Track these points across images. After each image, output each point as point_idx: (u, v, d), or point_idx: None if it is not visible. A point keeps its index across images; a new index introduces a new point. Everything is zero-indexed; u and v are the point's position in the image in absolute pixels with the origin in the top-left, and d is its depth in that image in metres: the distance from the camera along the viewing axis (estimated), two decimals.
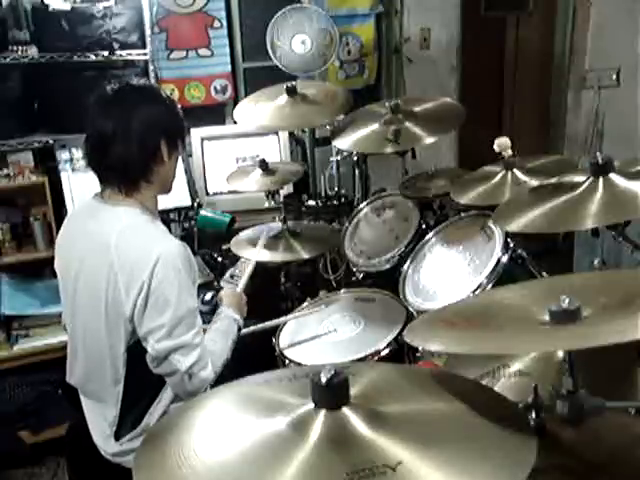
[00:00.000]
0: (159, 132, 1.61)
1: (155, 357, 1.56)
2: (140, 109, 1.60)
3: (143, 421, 1.64)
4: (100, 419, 1.67)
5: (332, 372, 0.90)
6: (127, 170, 1.60)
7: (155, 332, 1.54)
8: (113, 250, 1.55)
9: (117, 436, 1.65)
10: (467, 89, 3.97)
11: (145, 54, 3.07)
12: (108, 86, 1.64)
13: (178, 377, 1.57)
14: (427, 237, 2.14)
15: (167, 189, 1.74)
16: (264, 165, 2.46)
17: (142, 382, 1.63)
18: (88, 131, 1.62)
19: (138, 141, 1.58)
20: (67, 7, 2.86)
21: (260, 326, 2.04)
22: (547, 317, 0.96)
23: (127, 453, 1.63)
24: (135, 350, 1.59)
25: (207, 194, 3.15)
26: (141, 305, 1.53)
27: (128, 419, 1.64)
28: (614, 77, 3.66)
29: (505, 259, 1.85)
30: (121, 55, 2.97)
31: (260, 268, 2.56)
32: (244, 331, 1.99)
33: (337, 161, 2.96)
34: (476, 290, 1.82)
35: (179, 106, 1.73)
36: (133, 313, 1.55)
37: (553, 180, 1.62)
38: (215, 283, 2.64)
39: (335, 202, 3.02)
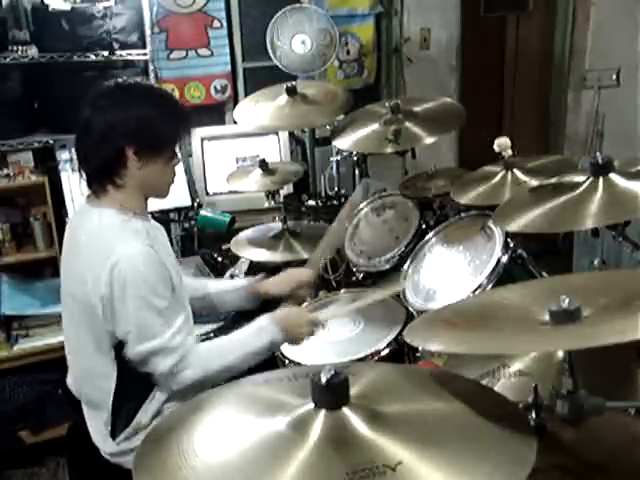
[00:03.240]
0: (124, 137, 1.55)
1: (134, 360, 1.55)
2: (115, 110, 1.56)
3: (135, 419, 1.63)
4: (97, 419, 1.67)
5: (332, 372, 0.90)
6: (89, 167, 1.60)
7: (126, 338, 1.53)
8: (82, 250, 1.57)
9: (113, 435, 1.65)
10: (467, 89, 3.97)
11: (145, 54, 3.07)
12: (106, 83, 1.64)
13: (161, 378, 1.56)
14: (427, 237, 2.14)
15: (158, 195, 1.70)
16: (264, 165, 2.46)
17: (132, 380, 1.62)
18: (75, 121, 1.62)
19: (98, 140, 1.55)
20: (67, 7, 2.86)
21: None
22: (547, 317, 0.96)
23: (126, 453, 1.62)
24: (121, 349, 1.58)
25: (207, 194, 3.15)
26: (108, 311, 1.52)
27: (121, 417, 1.63)
28: (614, 77, 3.66)
29: (505, 259, 1.85)
30: (121, 55, 2.97)
31: (260, 268, 2.57)
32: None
33: (337, 161, 2.96)
34: (476, 290, 1.82)
35: (180, 111, 1.67)
36: (107, 315, 1.54)
37: (553, 180, 1.62)
38: None
39: (335, 202, 3.02)
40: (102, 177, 1.60)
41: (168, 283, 1.57)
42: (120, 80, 1.66)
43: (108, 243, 1.54)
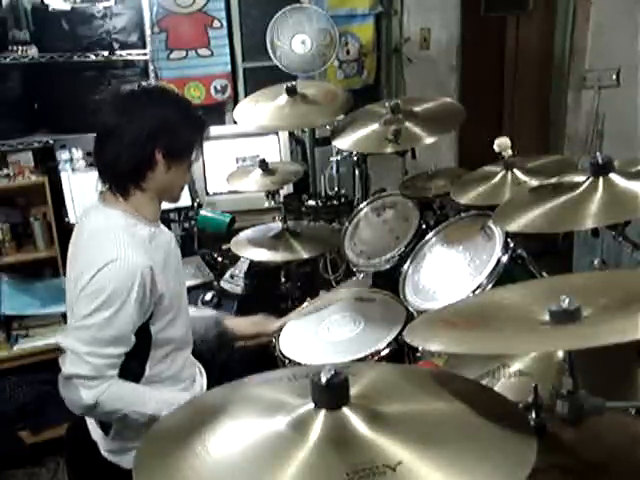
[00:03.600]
0: (155, 140, 1.56)
1: (58, 344, 1.56)
2: (142, 113, 1.57)
3: None
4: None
5: (332, 372, 0.90)
6: (116, 171, 1.59)
7: (68, 323, 1.55)
8: (83, 248, 1.57)
9: (105, 431, 1.65)
10: (467, 89, 3.97)
11: (145, 54, 3.07)
12: (128, 85, 1.64)
13: (60, 376, 1.56)
14: (427, 237, 2.14)
15: (172, 199, 1.71)
16: (264, 165, 2.46)
17: None
18: (96, 125, 1.63)
19: (130, 145, 1.55)
20: (67, 7, 2.86)
21: None
22: (547, 317, 0.96)
23: (124, 451, 1.63)
24: None
25: (207, 194, 3.15)
26: (76, 297, 1.53)
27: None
28: (614, 77, 3.66)
29: (505, 259, 1.85)
30: (121, 55, 2.97)
31: (260, 268, 2.57)
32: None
33: (337, 161, 2.96)
34: (476, 290, 1.82)
35: (199, 115, 1.69)
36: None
37: (553, 180, 1.62)
38: (215, 283, 2.64)
39: (335, 202, 3.02)
40: (128, 181, 1.60)
41: (140, 313, 1.54)
42: (144, 84, 1.67)
43: (107, 242, 1.53)
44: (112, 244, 1.52)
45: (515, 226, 1.48)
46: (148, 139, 1.56)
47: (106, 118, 1.59)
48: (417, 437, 0.86)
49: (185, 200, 2.90)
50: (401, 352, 1.83)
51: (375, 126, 2.33)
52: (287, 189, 2.96)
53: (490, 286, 1.81)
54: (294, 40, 3.13)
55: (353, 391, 0.93)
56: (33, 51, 2.81)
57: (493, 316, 1.07)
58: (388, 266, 2.22)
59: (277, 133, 3.20)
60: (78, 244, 1.62)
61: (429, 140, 2.22)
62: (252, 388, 1.08)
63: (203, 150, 1.70)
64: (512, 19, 4.69)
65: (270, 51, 3.10)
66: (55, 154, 2.82)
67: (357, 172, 2.78)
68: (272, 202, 2.48)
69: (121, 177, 1.60)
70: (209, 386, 1.82)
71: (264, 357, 1.99)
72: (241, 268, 2.62)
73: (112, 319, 1.49)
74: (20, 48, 2.79)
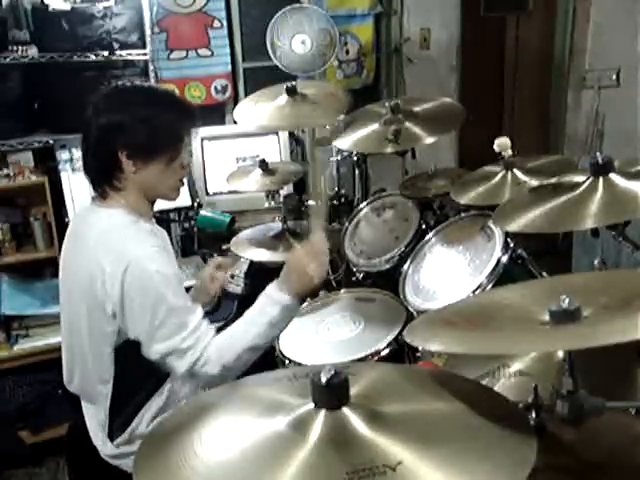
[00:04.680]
0: (116, 140, 1.54)
1: (154, 361, 1.54)
2: (107, 112, 1.56)
3: (132, 424, 1.62)
4: (94, 420, 1.67)
5: (332, 372, 0.90)
6: (87, 170, 1.62)
7: (141, 338, 1.52)
8: (92, 252, 1.55)
9: (111, 437, 1.64)
10: (467, 89, 3.98)
11: (145, 54, 3.07)
12: (107, 86, 1.64)
13: (183, 376, 1.55)
14: (427, 237, 2.14)
15: (165, 197, 1.68)
16: (264, 165, 2.46)
17: (132, 383, 1.62)
18: None
19: (93, 144, 1.57)
20: (67, 7, 2.86)
21: None
22: (547, 317, 0.96)
23: (126, 456, 1.61)
24: (124, 351, 1.57)
25: (207, 194, 3.15)
26: (120, 310, 1.51)
27: (118, 420, 1.63)
28: (614, 77, 3.66)
29: (505, 259, 1.85)
30: (121, 55, 2.97)
31: (260, 268, 2.57)
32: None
33: (337, 161, 2.96)
34: (476, 290, 1.82)
35: (177, 111, 1.63)
36: (117, 314, 1.53)
37: (553, 180, 1.62)
38: None
39: (335, 202, 3.02)
40: (101, 180, 1.61)
41: (182, 282, 1.58)
42: (120, 83, 1.66)
43: (121, 242, 1.53)
44: (120, 245, 1.52)
45: (515, 226, 1.48)
46: (110, 139, 1.55)
47: (84, 117, 1.59)
48: (417, 437, 0.86)
49: (185, 200, 2.91)
50: (401, 352, 1.83)
51: (375, 126, 2.33)
52: (287, 189, 2.96)
53: (490, 286, 1.81)
54: (294, 40, 3.13)
55: (353, 391, 0.93)
56: (33, 51, 2.81)
57: (493, 316, 1.07)
58: (388, 266, 2.22)
59: (277, 133, 3.21)
60: (83, 246, 1.59)
61: (429, 140, 2.22)
62: (252, 388, 1.08)
63: (180, 150, 1.63)
64: (512, 19, 4.69)
65: (270, 51, 3.10)
66: (55, 154, 2.83)
67: (357, 172, 2.78)
68: (272, 202, 2.48)
69: (94, 176, 1.61)
70: None
71: (264, 357, 1.99)
72: (241, 268, 2.61)
73: (173, 301, 1.50)
74: (20, 48, 2.79)
